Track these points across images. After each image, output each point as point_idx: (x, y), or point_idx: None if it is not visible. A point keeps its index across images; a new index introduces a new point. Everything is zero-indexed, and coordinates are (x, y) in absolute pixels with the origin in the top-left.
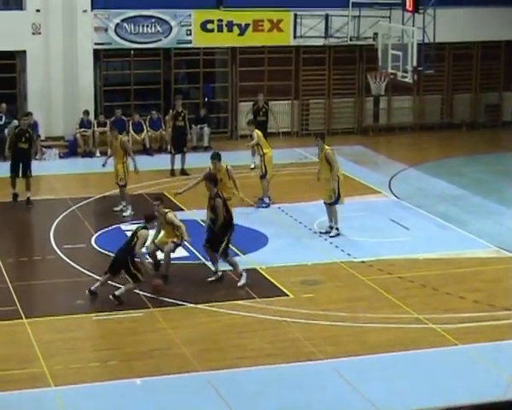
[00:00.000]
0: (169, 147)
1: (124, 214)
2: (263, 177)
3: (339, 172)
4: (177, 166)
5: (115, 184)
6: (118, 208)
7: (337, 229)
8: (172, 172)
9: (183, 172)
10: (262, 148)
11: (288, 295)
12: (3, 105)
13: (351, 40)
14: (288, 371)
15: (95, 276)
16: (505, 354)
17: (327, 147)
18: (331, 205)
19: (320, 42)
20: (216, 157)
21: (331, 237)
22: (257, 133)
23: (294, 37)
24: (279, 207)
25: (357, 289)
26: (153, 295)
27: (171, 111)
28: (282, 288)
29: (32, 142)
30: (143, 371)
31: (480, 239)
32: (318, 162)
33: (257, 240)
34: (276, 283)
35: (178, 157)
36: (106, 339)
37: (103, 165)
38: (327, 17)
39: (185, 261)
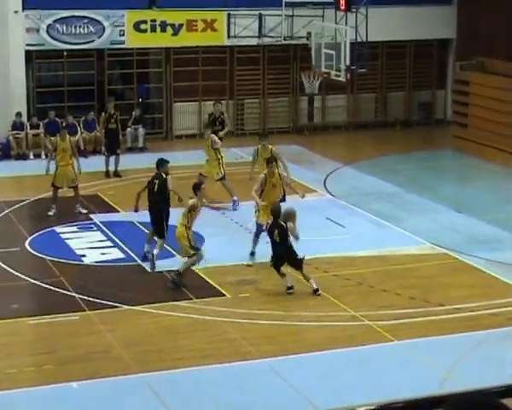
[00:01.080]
0: (103, 149)
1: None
2: (223, 178)
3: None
4: (112, 167)
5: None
6: (84, 211)
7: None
8: (107, 174)
9: (116, 173)
10: (219, 151)
11: (224, 295)
12: None
13: (284, 40)
14: (227, 370)
15: (29, 280)
16: (440, 349)
17: (270, 145)
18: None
19: (254, 41)
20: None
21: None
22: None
23: (228, 36)
24: (219, 209)
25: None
26: None
27: (103, 114)
28: (218, 288)
29: None
30: (80, 374)
31: (415, 236)
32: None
33: None
34: (212, 283)
35: (113, 159)
36: (42, 343)
37: (47, 171)
38: (260, 17)
39: (121, 263)
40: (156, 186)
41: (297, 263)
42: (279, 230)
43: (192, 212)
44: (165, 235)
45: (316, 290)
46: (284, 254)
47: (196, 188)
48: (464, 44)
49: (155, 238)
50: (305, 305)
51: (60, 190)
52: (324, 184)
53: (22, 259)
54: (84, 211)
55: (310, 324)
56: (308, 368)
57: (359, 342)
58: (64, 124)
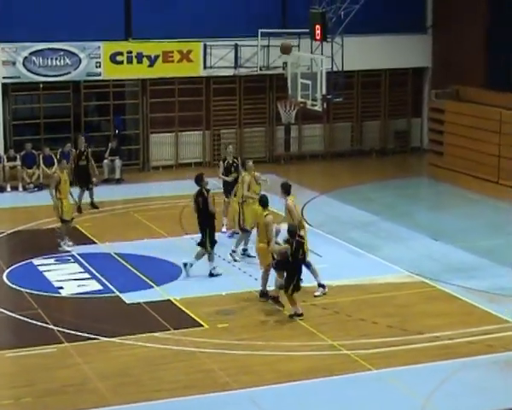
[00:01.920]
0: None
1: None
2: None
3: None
4: (86, 199)
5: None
6: (70, 245)
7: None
8: (79, 209)
9: (93, 205)
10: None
11: (202, 326)
12: None
13: (260, 70)
14: (204, 402)
15: (6, 312)
16: (419, 377)
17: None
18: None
19: (230, 72)
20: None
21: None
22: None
23: (204, 67)
24: (192, 238)
25: (271, 317)
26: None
27: (74, 150)
28: (196, 318)
29: None
30: (58, 407)
31: (391, 264)
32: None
33: (170, 271)
34: (190, 313)
35: (87, 192)
36: (19, 376)
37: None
38: (236, 47)
39: (99, 295)
40: (201, 204)
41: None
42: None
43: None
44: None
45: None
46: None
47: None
48: (439, 72)
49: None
50: (283, 335)
51: (37, 222)
52: (301, 214)
53: (0, 291)
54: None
55: (288, 353)
56: (287, 398)
57: (338, 372)
58: (41, 155)
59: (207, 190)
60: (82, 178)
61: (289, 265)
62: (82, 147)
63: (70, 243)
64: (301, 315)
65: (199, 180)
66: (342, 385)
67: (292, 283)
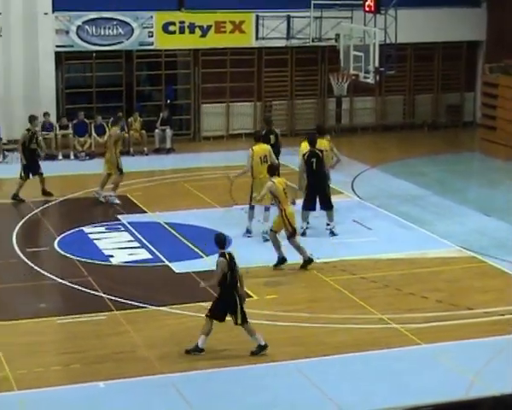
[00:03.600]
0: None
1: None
2: None
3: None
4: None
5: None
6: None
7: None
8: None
9: (45, 191)
10: None
11: (251, 297)
12: None
13: (313, 41)
14: (251, 372)
15: (57, 279)
16: (467, 353)
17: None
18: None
19: (282, 43)
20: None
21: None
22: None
23: (256, 38)
24: (242, 209)
25: (320, 289)
26: None
27: (25, 131)
28: (246, 289)
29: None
30: (107, 374)
31: (442, 239)
32: None
33: None
34: None
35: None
36: (69, 342)
37: None
38: (289, 18)
39: (148, 264)
40: (314, 164)
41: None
42: (316, 158)
43: None
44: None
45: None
46: (322, 183)
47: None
48: (493, 47)
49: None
50: (332, 307)
51: (88, 191)
52: (352, 187)
53: (50, 258)
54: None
55: (336, 326)
56: (334, 370)
57: (386, 345)
58: (93, 124)
59: (321, 151)
60: (33, 163)
61: (227, 285)
62: (34, 129)
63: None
64: (202, 350)
65: (313, 143)
66: (390, 359)
67: (235, 311)
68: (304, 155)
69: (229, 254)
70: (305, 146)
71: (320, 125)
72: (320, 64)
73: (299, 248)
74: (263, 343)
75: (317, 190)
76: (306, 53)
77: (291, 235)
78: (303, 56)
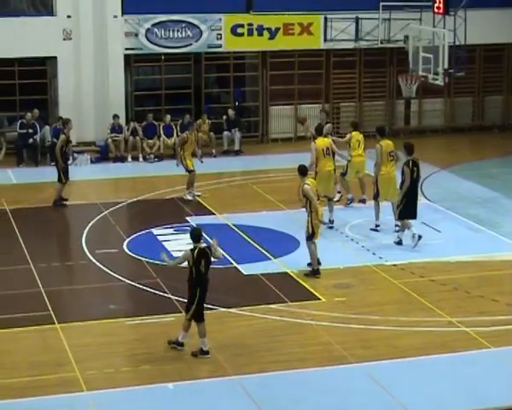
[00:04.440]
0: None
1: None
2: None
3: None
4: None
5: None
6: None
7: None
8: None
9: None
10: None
11: (319, 299)
12: (35, 111)
13: (381, 43)
14: (320, 374)
15: (126, 281)
16: None
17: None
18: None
19: (350, 45)
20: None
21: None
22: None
23: (325, 40)
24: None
25: (389, 292)
26: None
27: (62, 136)
28: (314, 291)
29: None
30: (175, 375)
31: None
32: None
33: (288, 243)
34: (308, 286)
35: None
36: (138, 344)
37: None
38: (357, 20)
39: (217, 266)
40: (416, 173)
41: None
42: (417, 167)
43: None
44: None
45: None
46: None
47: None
48: None
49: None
50: (401, 310)
51: (157, 192)
52: (421, 189)
53: (120, 260)
54: (190, 198)
55: (405, 329)
56: (403, 374)
57: (456, 349)
58: (162, 126)
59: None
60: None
61: (192, 279)
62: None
63: (194, 193)
64: (181, 345)
65: (410, 150)
66: (460, 362)
67: (191, 304)
68: (406, 163)
69: (202, 250)
70: (385, 144)
71: (381, 127)
72: (388, 66)
73: (312, 255)
74: (206, 349)
75: (415, 198)
76: (375, 55)
77: (309, 238)
78: (371, 58)
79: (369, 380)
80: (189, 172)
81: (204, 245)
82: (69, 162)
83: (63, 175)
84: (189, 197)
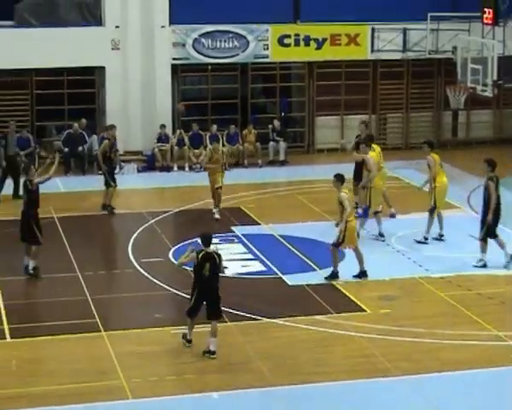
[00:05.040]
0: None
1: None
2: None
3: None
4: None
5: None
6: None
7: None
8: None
9: (106, 206)
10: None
11: (364, 311)
12: (83, 120)
13: (429, 54)
14: (364, 387)
15: (172, 290)
16: None
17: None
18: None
19: (398, 56)
20: None
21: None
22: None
23: (372, 51)
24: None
25: (435, 305)
26: None
27: (106, 141)
28: (359, 303)
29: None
30: (219, 385)
31: None
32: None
33: None
34: (353, 298)
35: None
36: (183, 353)
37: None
38: (405, 31)
39: (262, 276)
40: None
41: None
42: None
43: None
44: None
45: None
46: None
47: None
48: None
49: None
50: (447, 323)
51: (203, 202)
52: (468, 201)
53: (165, 269)
54: (218, 216)
55: (451, 342)
56: (447, 387)
57: (503, 363)
58: (208, 136)
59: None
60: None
61: (194, 280)
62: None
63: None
64: (189, 342)
65: (494, 166)
66: (507, 377)
67: (190, 300)
68: (491, 179)
69: (207, 254)
70: (436, 157)
71: (430, 141)
72: (436, 77)
73: (335, 260)
74: (213, 349)
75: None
76: (422, 65)
77: (336, 245)
78: (419, 69)
79: (413, 393)
80: (217, 188)
81: (212, 250)
82: (116, 171)
83: (110, 179)
84: (217, 216)
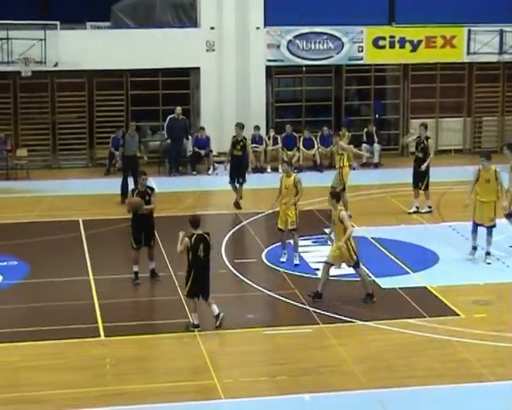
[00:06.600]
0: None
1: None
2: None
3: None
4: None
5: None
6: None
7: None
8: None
9: (236, 204)
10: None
11: (458, 315)
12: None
13: None
14: (458, 392)
15: (265, 291)
16: None
17: (493, 166)
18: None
19: (494, 58)
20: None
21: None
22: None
23: (468, 53)
24: (450, 226)
25: None
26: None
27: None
28: (452, 307)
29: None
30: (312, 387)
31: None
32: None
33: (427, 258)
34: (446, 302)
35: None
36: (275, 354)
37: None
38: (501, 33)
39: (354, 278)
40: None
41: None
42: None
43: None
44: None
45: None
46: None
47: None
48: None
49: None
50: None
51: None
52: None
53: (258, 270)
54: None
55: None
56: None
57: None
58: (301, 138)
59: None
60: (234, 169)
61: (189, 262)
62: (239, 136)
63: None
64: (197, 326)
65: None
66: None
67: (187, 284)
68: None
69: (199, 235)
70: None
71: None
72: None
73: (364, 280)
74: (196, 323)
75: None
76: None
77: (357, 265)
78: None
79: (507, 400)
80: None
81: (201, 231)
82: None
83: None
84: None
